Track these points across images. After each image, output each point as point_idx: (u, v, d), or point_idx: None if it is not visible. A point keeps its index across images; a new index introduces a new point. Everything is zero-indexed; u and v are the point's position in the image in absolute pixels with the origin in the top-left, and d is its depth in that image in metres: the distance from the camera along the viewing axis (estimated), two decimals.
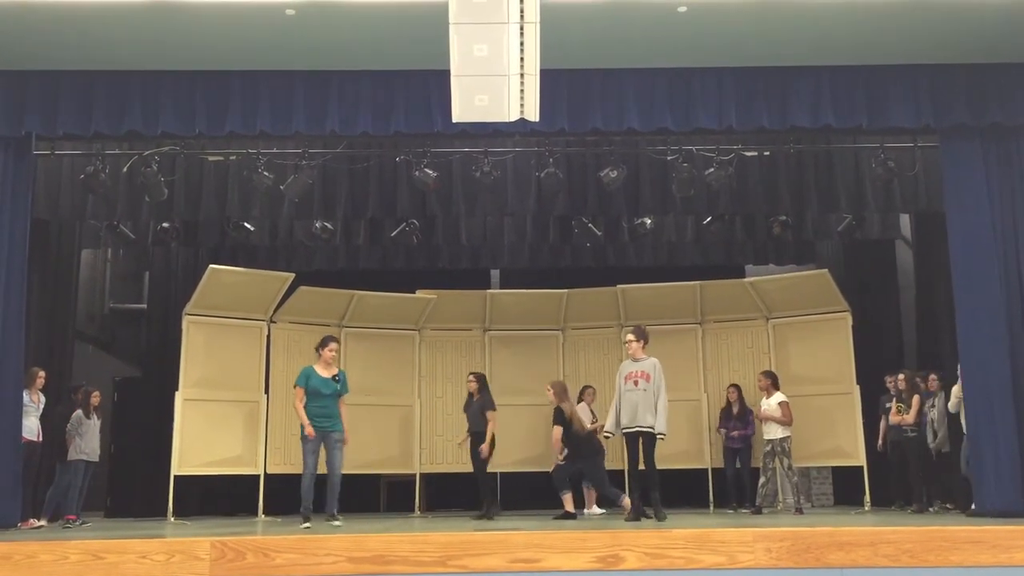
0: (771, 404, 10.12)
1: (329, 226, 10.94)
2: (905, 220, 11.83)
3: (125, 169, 9.79)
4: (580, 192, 10.35)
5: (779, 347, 11.31)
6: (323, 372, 8.45)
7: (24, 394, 8.75)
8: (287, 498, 9.89)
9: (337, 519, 8.15)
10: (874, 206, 10.38)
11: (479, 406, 9.55)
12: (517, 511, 10.54)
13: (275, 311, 11.01)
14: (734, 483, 10.57)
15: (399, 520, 9.51)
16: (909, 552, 5.24)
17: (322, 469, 8.33)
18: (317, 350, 8.60)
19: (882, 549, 5.25)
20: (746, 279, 11.89)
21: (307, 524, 7.88)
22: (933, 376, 9.69)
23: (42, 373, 9.29)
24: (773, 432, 10.02)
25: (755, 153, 10.14)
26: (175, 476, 9.88)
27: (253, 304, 10.82)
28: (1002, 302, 8.41)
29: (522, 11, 5.50)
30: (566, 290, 11.83)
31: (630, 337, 8.47)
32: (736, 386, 10.81)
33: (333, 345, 8.59)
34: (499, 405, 9.66)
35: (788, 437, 10.01)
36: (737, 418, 10.57)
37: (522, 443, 11.20)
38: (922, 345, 11.67)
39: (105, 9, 7.50)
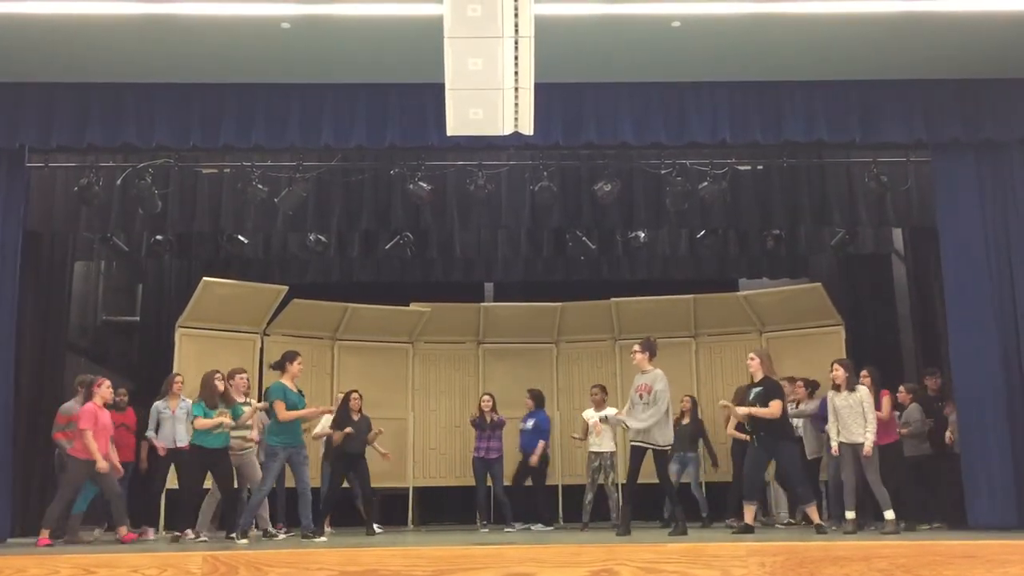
0: (593, 415, 9.97)
1: (323, 239, 10.91)
2: (898, 234, 11.86)
3: (119, 181, 9.76)
4: (574, 205, 10.35)
5: (773, 361, 11.27)
6: (293, 388, 8.21)
7: (160, 403, 8.99)
8: (280, 512, 9.84)
9: (322, 534, 8.07)
10: (867, 220, 10.39)
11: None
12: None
13: (268, 324, 10.98)
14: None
15: (392, 534, 9.47)
16: (903, 567, 5.23)
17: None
18: (284, 365, 8.26)
19: (876, 564, 5.24)
20: (740, 293, 11.90)
21: (246, 540, 7.70)
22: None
23: (180, 378, 9.23)
24: (603, 445, 9.88)
25: (748, 167, 10.15)
26: (167, 489, 9.83)
27: (246, 317, 10.80)
28: (994, 317, 8.44)
29: (517, 25, 5.53)
30: (560, 303, 11.84)
31: (636, 348, 8.37)
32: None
33: (300, 359, 8.34)
34: None
35: (615, 452, 9.97)
36: None
37: (517, 456, 11.16)
38: (920, 359, 11.67)
39: (100, 22, 7.51)
